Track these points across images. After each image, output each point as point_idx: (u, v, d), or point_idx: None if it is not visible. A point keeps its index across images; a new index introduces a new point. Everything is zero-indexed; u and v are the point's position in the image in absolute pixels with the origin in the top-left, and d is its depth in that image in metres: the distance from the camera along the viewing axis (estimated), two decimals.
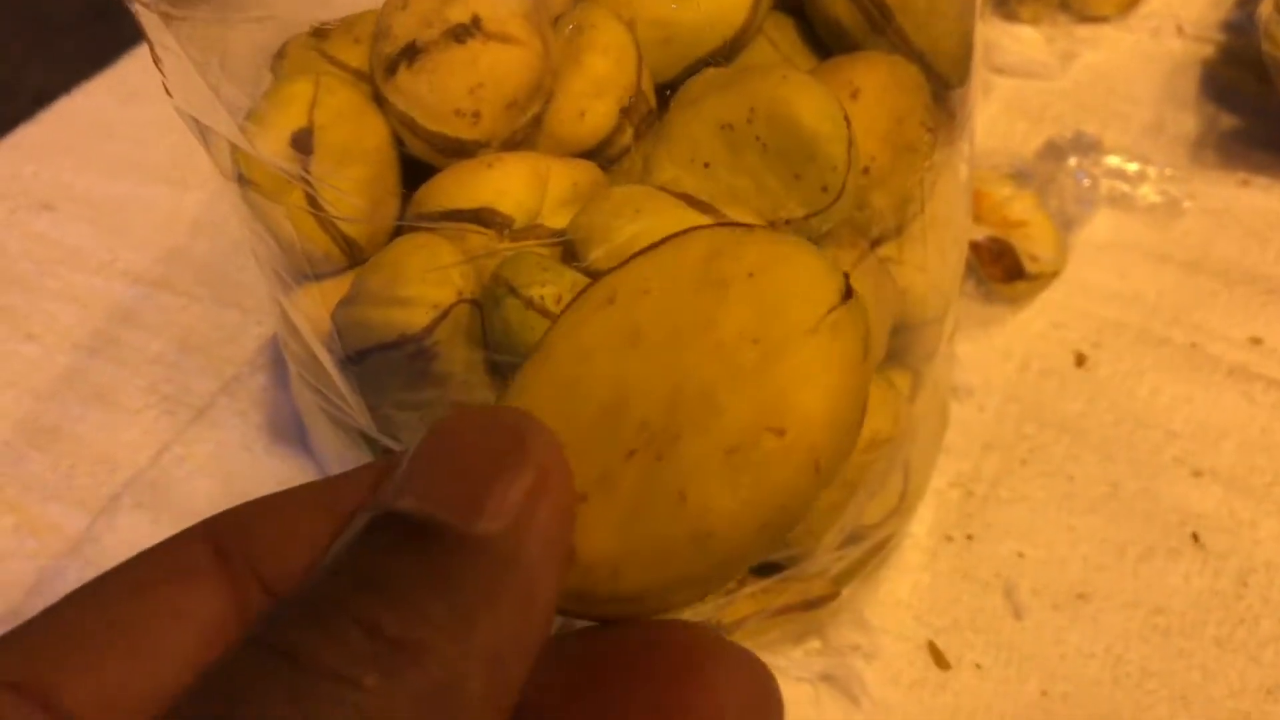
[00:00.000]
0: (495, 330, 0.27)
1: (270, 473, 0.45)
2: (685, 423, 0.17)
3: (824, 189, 0.30)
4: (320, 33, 0.35)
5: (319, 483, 0.18)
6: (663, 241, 0.19)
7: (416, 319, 0.27)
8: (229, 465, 0.45)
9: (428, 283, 0.28)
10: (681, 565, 0.17)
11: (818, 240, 0.31)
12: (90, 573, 0.43)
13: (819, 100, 0.30)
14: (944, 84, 0.35)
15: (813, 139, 0.29)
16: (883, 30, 0.34)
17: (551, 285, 0.26)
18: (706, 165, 0.31)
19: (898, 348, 0.36)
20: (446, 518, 0.15)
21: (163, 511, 0.44)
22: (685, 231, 0.19)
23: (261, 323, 0.50)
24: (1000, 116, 0.60)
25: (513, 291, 0.26)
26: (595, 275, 0.27)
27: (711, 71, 0.32)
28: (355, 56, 0.34)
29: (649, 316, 0.18)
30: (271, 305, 0.35)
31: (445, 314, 0.27)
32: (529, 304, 0.26)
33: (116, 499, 0.45)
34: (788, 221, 0.30)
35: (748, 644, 0.39)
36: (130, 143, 0.59)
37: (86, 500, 0.45)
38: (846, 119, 0.30)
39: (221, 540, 0.17)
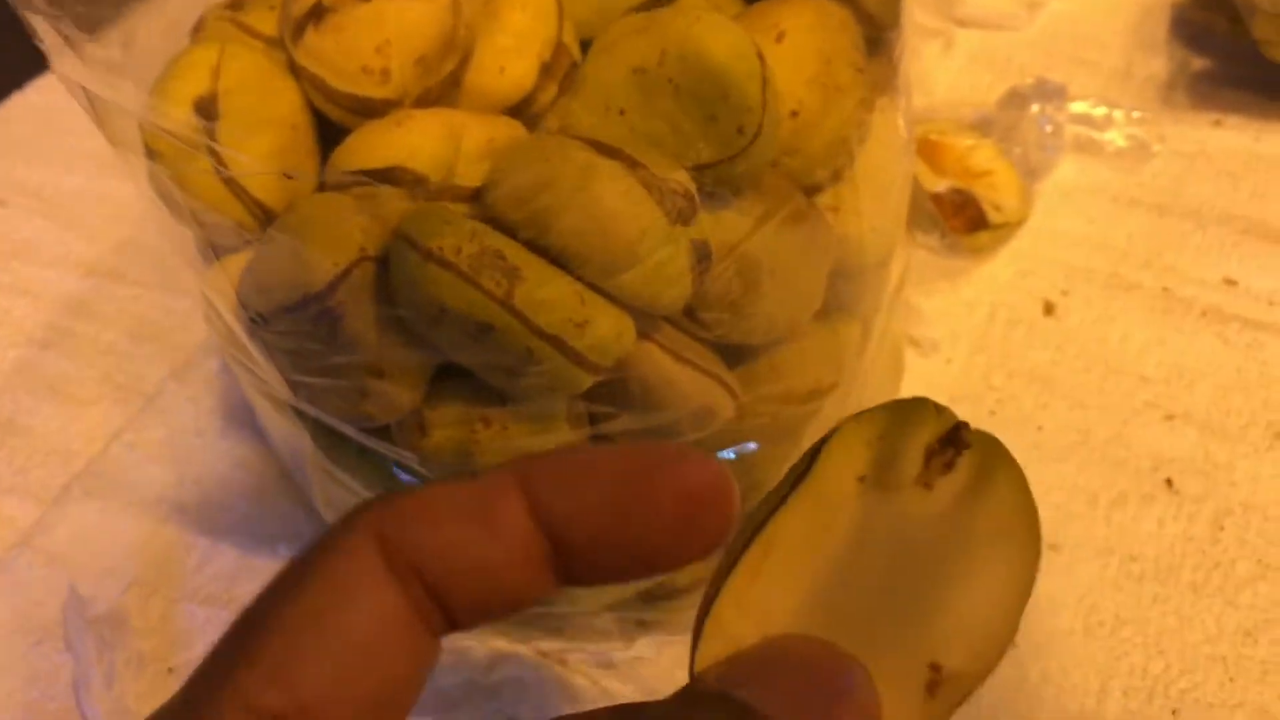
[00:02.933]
0: (398, 285, 0.26)
1: (224, 456, 0.44)
2: None
3: (739, 130, 0.29)
4: (236, 3, 0.35)
5: (463, 484, 0.19)
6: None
7: (318, 278, 0.26)
8: (181, 450, 0.44)
9: (329, 241, 0.27)
10: None
11: (741, 186, 0.31)
12: (41, 562, 0.42)
13: (730, 38, 0.29)
14: (874, 25, 0.34)
15: (725, 78, 0.29)
16: None
17: (450, 236, 0.26)
18: (622, 112, 0.30)
19: (842, 296, 0.35)
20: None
21: (112, 499, 0.44)
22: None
23: None
24: (964, 70, 0.59)
25: (411, 244, 0.26)
26: (497, 222, 0.27)
27: (627, 18, 0.31)
28: (270, 25, 0.33)
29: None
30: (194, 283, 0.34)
31: (347, 272, 0.27)
32: (428, 256, 0.25)
33: (67, 489, 0.44)
34: (703, 167, 0.29)
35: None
36: (81, 136, 0.58)
37: (40, 492, 0.44)
38: (760, 57, 0.29)
39: (386, 537, 0.18)
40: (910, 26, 0.37)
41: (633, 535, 0.18)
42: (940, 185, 0.50)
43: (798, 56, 0.32)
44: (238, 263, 0.30)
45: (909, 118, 0.38)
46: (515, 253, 0.26)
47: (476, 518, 0.18)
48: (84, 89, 0.28)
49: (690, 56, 0.29)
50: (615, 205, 0.27)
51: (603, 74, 0.30)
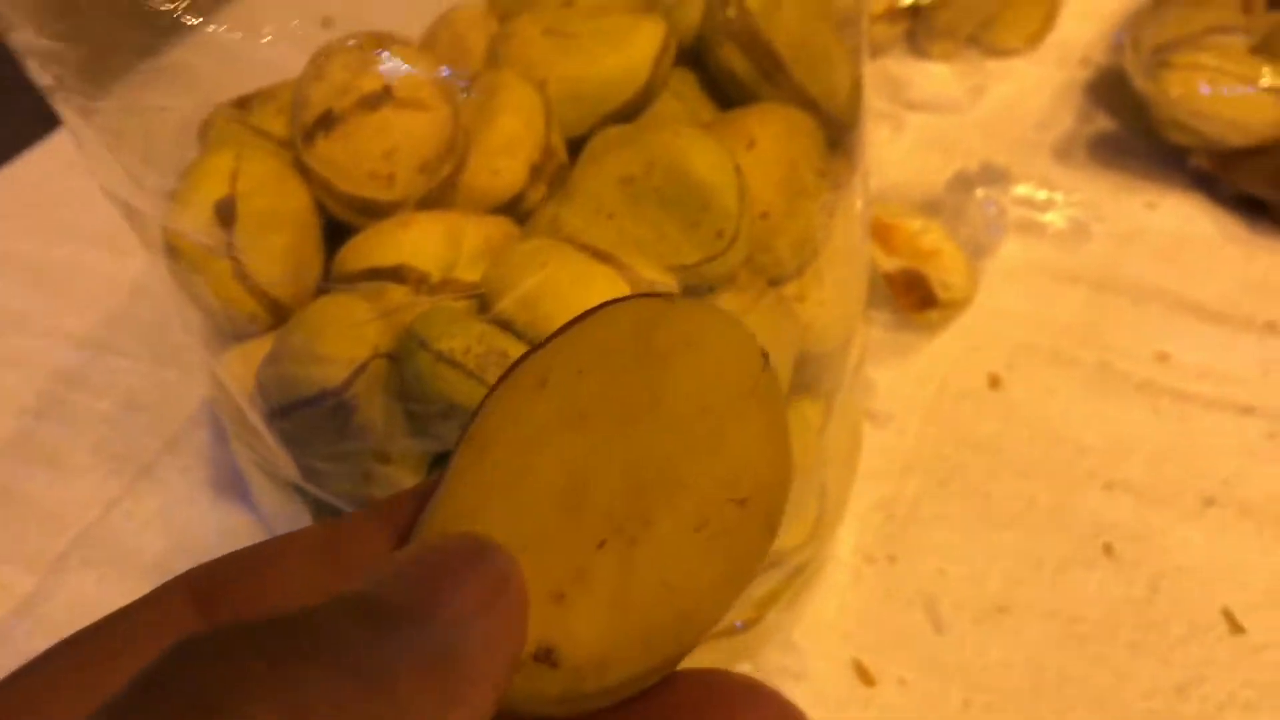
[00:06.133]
0: (409, 382, 0.29)
1: (215, 525, 0.46)
2: (652, 504, 0.17)
3: (719, 235, 0.32)
4: (243, 104, 0.37)
5: (313, 528, 0.18)
6: (583, 317, 0.18)
7: (335, 374, 0.29)
8: (175, 520, 0.46)
9: (344, 340, 0.29)
10: (668, 646, 0.17)
11: (719, 283, 0.33)
12: (40, 631, 0.44)
13: (711, 153, 0.32)
14: (837, 126, 0.38)
15: (707, 190, 0.31)
16: (775, 79, 0.36)
17: (460, 338, 0.28)
18: (610, 216, 0.33)
19: (806, 379, 0.38)
20: (396, 599, 0.15)
21: (110, 568, 0.45)
22: (605, 305, 0.18)
23: (202, 382, 0.52)
24: (913, 152, 0.62)
25: (423, 345, 0.28)
26: (504, 324, 0.29)
27: (614, 130, 0.34)
28: (278, 126, 0.36)
29: (590, 396, 0.18)
30: (203, 367, 0.36)
31: (362, 369, 0.29)
32: (439, 357, 0.28)
33: (64, 557, 0.46)
34: (686, 267, 0.32)
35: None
36: (73, 209, 0.61)
37: (36, 560, 0.46)
38: (737, 169, 0.32)
39: (202, 592, 0.17)
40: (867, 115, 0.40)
41: None
42: (892, 265, 0.53)
43: (767, 163, 0.35)
44: (252, 349, 0.32)
45: (867, 206, 0.41)
46: (518, 352, 0.29)
47: (322, 557, 0.17)
48: (112, 194, 0.30)
49: (675, 169, 0.32)
50: None
51: (593, 182, 0.33)
